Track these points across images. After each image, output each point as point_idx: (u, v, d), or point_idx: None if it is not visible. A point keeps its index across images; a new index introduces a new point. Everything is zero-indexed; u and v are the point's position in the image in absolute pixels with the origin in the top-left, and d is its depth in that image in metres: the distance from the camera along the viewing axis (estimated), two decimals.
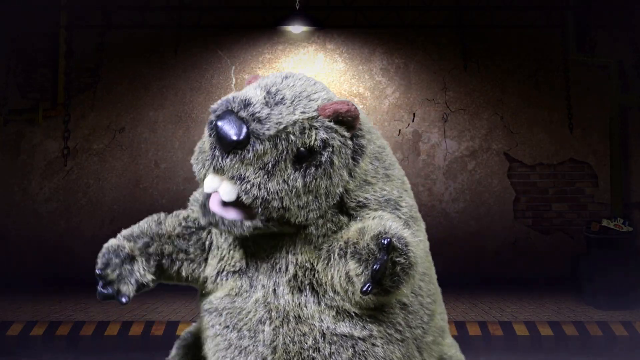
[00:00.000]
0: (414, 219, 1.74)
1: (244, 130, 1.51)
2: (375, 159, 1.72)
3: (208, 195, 1.60)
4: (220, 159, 1.53)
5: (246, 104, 1.55)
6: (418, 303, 1.69)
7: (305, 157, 1.56)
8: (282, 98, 1.59)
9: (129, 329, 5.97)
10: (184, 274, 1.76)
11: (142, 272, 1.69)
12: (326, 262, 1.60)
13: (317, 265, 1.61)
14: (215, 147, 1.54)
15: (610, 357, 5.49)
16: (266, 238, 1.64)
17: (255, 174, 1.52)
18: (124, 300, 1.65)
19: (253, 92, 1.60)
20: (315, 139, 1.56)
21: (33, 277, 7.65)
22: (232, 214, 1.57)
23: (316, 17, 7.42)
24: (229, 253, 1.70)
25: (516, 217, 8.03)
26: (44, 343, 5.78)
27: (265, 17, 7.95)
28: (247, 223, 1.56)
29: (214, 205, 1.58)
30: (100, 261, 1.68)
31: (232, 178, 1.53)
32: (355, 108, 1.62)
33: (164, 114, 8.11)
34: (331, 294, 1.60)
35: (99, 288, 1.65)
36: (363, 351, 1.59)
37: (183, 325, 5.97)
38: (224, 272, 1.70)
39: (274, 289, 1.62)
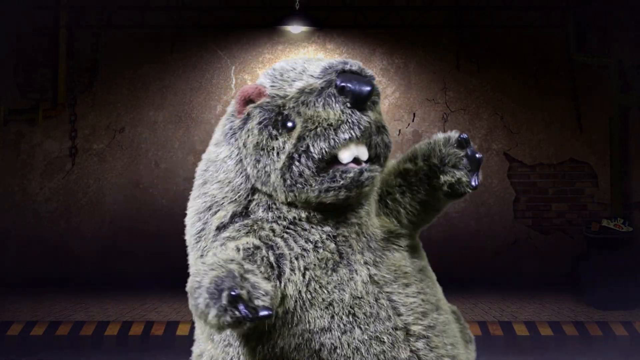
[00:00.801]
0: None
1: (371, 79, 1.55)
2: None
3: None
4: (363, 118, 1.53)
5: (345, 62, 1.58)
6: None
7: None
8: None
9: (129, 329, 5.97)
10: None
11: (262, 280, 1.44)
12: (391, 198, 1.76)
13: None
14: (352, 110, 1.52)
15: (610, 357, 5.48)
16: (339, 220, 1.62)
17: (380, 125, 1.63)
18: (267, 313, 1.34)
19: (321, 62, 1.62)
20: None
21: (33, 277, 7.65)
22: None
23: (316, 17, 7.43)
24: (316, 256, 1.58)
25: (516, 217, 8.03)
26: (44, 343, 5.78)
27: (265, 17, 7.95)
28: (375, 166, 1.61)
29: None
30: (225, 285, 1.35)
31: (377, 128, 1.58)
32: None
33: (164, 114, 8.11)
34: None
35: (243, 310, 1.32)
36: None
37: (183, 325, 5.97)
38: (316, 278, 1.58)
39: (375, 260, 1.63)
